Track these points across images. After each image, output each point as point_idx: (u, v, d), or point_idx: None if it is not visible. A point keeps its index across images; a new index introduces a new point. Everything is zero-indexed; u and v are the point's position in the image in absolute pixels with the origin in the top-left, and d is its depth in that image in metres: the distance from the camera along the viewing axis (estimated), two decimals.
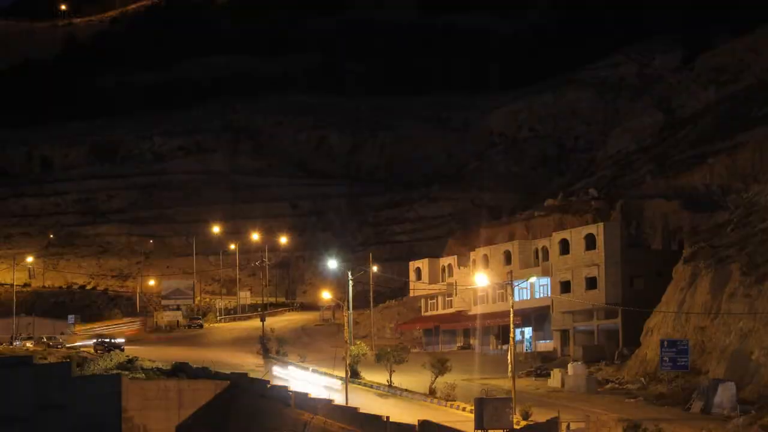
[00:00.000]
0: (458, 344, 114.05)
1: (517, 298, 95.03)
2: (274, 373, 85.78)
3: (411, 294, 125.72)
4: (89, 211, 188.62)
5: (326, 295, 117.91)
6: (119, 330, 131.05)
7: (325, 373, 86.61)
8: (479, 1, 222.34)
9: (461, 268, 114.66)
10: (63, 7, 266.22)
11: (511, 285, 72.36)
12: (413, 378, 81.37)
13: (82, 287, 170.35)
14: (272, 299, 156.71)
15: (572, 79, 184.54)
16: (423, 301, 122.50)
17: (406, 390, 78.15)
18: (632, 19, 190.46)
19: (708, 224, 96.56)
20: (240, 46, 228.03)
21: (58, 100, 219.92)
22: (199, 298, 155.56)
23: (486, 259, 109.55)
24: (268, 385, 76.30)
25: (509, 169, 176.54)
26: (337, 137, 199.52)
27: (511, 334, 71.56)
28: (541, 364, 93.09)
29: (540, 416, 66.09)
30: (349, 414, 66.60)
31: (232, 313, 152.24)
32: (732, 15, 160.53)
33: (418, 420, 61.62)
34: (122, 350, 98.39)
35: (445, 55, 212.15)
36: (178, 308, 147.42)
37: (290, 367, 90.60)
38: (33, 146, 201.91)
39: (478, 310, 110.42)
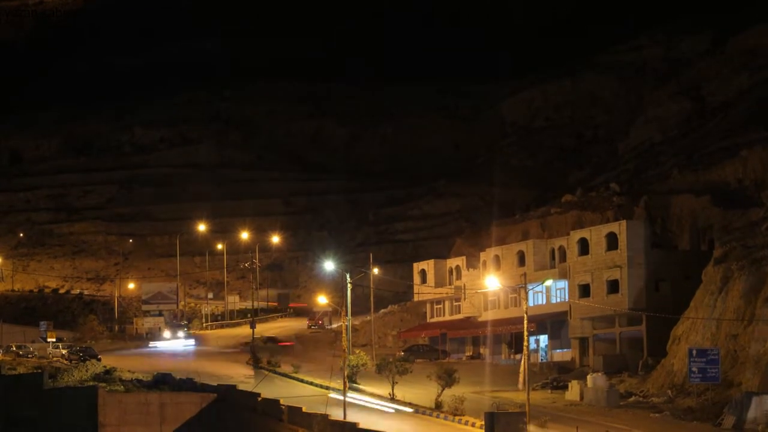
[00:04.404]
0: (467, 353, 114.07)
1: (531, 303, 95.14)
2: None
3: (415, 298, 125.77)
4: (63, 207, 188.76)
5: (322, 299, 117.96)
6: None
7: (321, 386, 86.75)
8: None
9: (470, 270, 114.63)
10: None
11: (525, 289, 72.27)
12: (418, 390, 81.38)
13: (55, 291, 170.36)
14: (263, 304, 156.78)
15: (592, 64, 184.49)
16: (428, 306, 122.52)
17: (409, 403, 78.15)
18: None
19: (741, 222, 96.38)
20: (229, 28, 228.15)
21: (29, 86, 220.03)
22: (183, 302, 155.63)
23: (497, 261, 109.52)
24: (259, 398, 76.31)
25: (523, 162, 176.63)
26: (334, 128, 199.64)
27: (525, 343, 71.48)
28: (557, 376, 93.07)
29: None
30: (348, 430, 66.61)
31: (219, 320, 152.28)
32: None
33: None
34: (99, 360, 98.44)
35: (452, 37, 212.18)
36: (160, 314, 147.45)
37: None
38: (1, 137, 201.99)
39: (488, 316, 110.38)
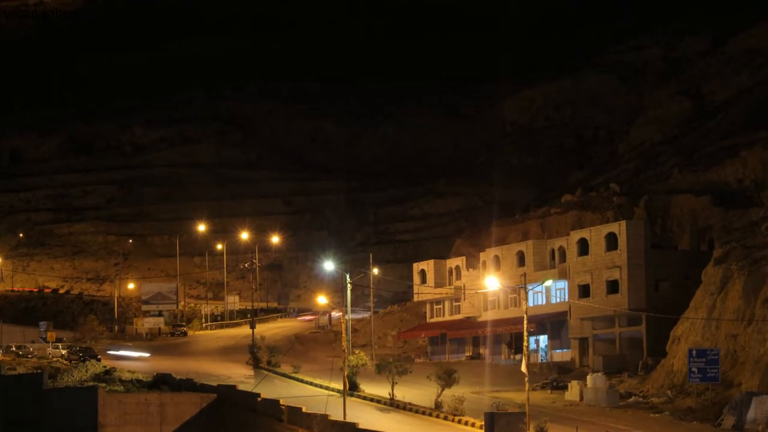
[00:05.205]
0: (467, 354, 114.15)
1: (531, 304, 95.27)
2: None
3: (415, 299, 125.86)
4: (63, 207, 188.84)
5: (322, 300, 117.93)
6: None
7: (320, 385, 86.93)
8: None
9: (470, 270, 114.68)
10: None
11: (525, 289, 72.32)
12: (417, 391, 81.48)
13: (55, 291, 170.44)
14: (263, 304, 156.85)
15: (592, 64, 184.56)
16: (428, 306, 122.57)
17: (409, 404, 78.24)
18: None
19: (741, 222, 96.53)
20: (228, 26, 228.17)
21: (29, 86, 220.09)
22: (183, 302, 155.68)
23: (497, 261, 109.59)
24: (259, 398, 76.43)
25: (523, 162, 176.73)
26: (334, 127, 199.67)
27: (525, 343, 71.53)
28: (557, 376, 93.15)
29: None
30: (348, 430, 66.71)
31: (219, 320, 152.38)
32: None
33: None
34: (99, 360, 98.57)
35: (453, 36, 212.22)
36: (160, 314, 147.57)
37: None
38: (1, 137, 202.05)
39: (488, 316, 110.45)
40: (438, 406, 76.17)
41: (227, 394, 78.32)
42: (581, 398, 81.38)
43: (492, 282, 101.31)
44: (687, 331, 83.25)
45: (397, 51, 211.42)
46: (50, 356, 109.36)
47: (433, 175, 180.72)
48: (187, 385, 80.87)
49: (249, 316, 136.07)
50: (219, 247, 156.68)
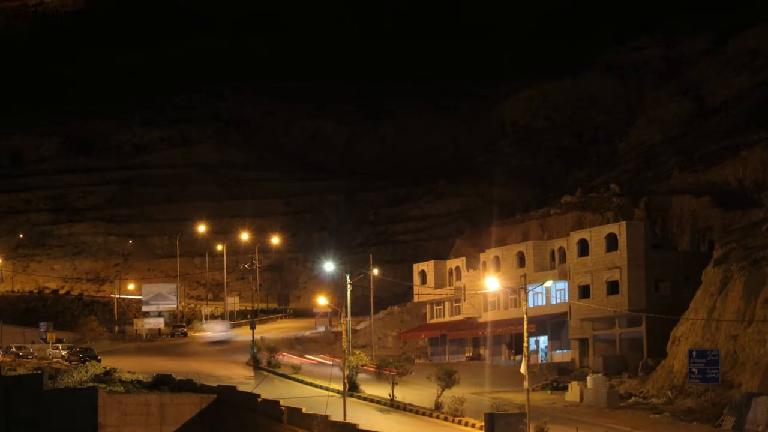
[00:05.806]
0: (467, 354, 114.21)
1: (531, 304, 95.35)
2: None
3: (415, 299, 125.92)
4: (63, 208, 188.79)
5: (322, 300, 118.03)
6: None
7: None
8: None
9: (470, 270, 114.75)
10: None
11: (525, 289, 72.38)
12: (417, 391, 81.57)
13: (55, 292, 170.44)
14: (263, 305, 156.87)
15: (592, 64, 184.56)
16: (428, 307, 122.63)
17: (409, 404, 78.32)
18: None
19: (741, 223, 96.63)
20: (228, 26, 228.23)
21: (29, 86, 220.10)
22: (183, 303, 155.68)
23: (497, 261, 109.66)
24: (259, 399, 76.51)
25: (523, 162, 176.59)
26: (334, 127, 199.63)
27: (525, 344, 71.58)
28: (557, 377, 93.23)
29: None
30: (348, 430, 66.79)
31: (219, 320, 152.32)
32: None
33: None
34: (99, 361, 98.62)
35: (453, 36, 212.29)
36: (160, 315, 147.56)
37: None
38: (1, 137, 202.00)
39: (488, 317, 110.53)
40: (438, 406, 76.26)
41: (227, 394, 78.42)
42: (581, 399, 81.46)
43: (492, 283, 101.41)
44: (687, 332, 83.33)
45: (396, 51, 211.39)
46: (50, 357, 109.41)
47: (433, 175, 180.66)
48: (187, 386, 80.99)
49: (249, 316, 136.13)
50: (219, 247, 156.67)
